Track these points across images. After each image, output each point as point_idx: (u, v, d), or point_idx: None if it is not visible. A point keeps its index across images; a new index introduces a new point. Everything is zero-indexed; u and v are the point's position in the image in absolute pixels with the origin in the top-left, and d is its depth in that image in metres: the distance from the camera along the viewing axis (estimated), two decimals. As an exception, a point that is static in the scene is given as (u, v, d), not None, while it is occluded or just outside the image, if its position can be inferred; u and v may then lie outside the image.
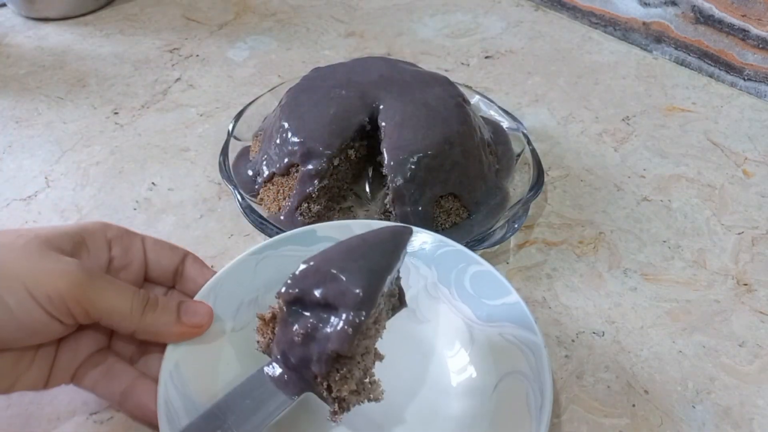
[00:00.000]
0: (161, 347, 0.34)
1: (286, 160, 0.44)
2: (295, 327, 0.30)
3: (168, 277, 0.37)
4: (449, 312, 0.38)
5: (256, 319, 0.34)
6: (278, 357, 0.32)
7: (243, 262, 0.38)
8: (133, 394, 0.33)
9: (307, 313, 0.30)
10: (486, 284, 0.37)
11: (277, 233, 0.40)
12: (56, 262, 0.30)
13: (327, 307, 0.30)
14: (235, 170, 0.47)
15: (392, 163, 0.42)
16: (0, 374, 0.31)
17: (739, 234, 0.47)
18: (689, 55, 0.63)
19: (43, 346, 0.33)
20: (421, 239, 0.39)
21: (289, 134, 0.44)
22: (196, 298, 0.36)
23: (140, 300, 0.32)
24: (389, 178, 0.42)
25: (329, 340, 0.29)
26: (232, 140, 0.49)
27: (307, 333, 0.30)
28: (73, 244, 0.33)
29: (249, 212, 0.43)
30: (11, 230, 0.32)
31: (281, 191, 0.45)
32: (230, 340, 0.36)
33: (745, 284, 0.43)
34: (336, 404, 0.30)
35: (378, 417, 0.34)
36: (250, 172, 0.48)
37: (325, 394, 0.30)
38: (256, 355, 0.34)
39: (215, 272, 0.37)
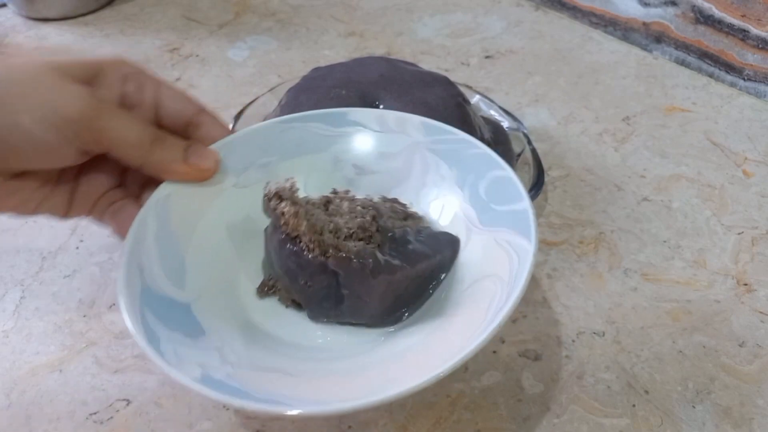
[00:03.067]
0: None
1: (286, 160, 0.44)
2: None
3: (180, 126, 0.36)
4: (453, 214, 0.38)
5: (259, 181, 0.36)
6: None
7: (267, 127, 0.39)
8: (122, 211, 0.35)
9: None
10: (500, 190, 0.36)
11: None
12: (68, 88, 0.31)
13: None
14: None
15: (392, 163, 0.42)
16: (26, 196, 0.33)
17: (739, 234, 0.47)
18: (689, 55, 0.63)
19: (63, 177, 0.35)
20: (453, 137, 0.39)
21: (289, 134, 0.44)
22: (210, 147, 0.36)
23: (148, 133, 0.33)
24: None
25: None
26: (232, 140, 0.49)
27: None
28: (87, 73, 0.33)
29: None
30: (27, 58, 0.33)
31: (281, 191, 0.45)
32: (228, 194, 0.37)
33: (745, 284, 0.43)
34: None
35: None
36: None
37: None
38: (248, 215, 0.37)
39: (232, 132, 0.38)
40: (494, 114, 0.52)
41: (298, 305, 0.35)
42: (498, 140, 0.50)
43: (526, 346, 0.39)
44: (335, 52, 0.67)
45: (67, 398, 0.37)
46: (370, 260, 0.32)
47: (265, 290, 0.36)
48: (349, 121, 0.40)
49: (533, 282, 0.43)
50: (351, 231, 0.34)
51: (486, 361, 0.38)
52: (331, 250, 0.32)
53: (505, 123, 0.51)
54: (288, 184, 0.34)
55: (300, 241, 0.32)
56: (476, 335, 0.29)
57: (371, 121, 0.40)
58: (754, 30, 0.57)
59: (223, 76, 0.64)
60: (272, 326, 0.34)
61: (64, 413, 0.36)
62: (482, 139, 0.47)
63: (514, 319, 0.41)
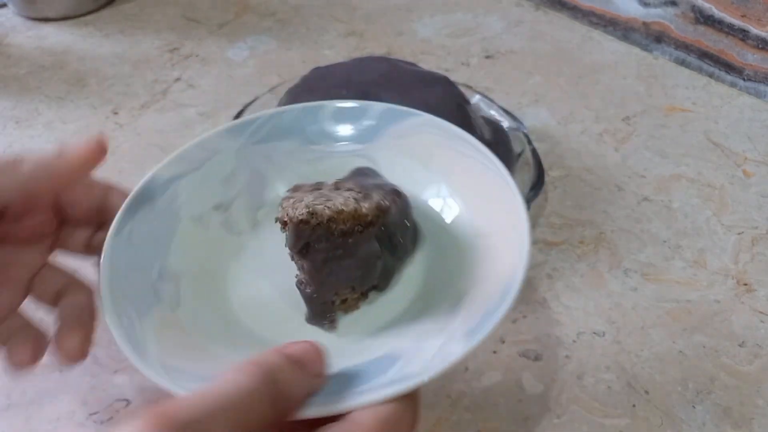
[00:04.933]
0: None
1: (286, 160, 0.44)
2: None
3: (91, 215, 0.34)
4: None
5: (216, 211, 0.36)
6: None
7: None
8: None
9: None
10: (392, 116, 0.38)
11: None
12: None
13: None
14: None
15: (392, 163, 0.42)
16: None
17: (739, 234, 0.47)
18: (689, 55, 0.63)
19: None
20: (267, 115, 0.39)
21: (289, 134, 0.44)
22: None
23: None
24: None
25: None
26: (232, 140, 0.49)
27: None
28: None
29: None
30: None
31: (281, 191, 0.45)
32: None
33: (745, 284, 0.43)
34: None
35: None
36: (250, 172, 0.48)
37: None
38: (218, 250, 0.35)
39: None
40: (494, 114, 0.52)
41: (365, 298, 0.33)
42: (498, 140, 0.50)
43: (526, 346, 0.39)
44: (335, 52, 0.67)
45: (67, 398, 0.37)
46: (392, 205, 0.33)
47: (329, 315, 0.32)
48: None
49: (533, 282, 0.43)
50: (351, 195, 0.33)
51: (486, 361, 0.38)
52: (371, 215, 0.32)
53: (505, 123, 0.51)
54: (297, 206, 0.31)
55: (348, 233, 0.31)
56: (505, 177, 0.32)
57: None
58: (754, 30, 0.57)
59: (223, 76, 0.64)
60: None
61: (64, 413, 0.36)
62: (482, 139, 0.47)
63: (514, 319, 0.41)
